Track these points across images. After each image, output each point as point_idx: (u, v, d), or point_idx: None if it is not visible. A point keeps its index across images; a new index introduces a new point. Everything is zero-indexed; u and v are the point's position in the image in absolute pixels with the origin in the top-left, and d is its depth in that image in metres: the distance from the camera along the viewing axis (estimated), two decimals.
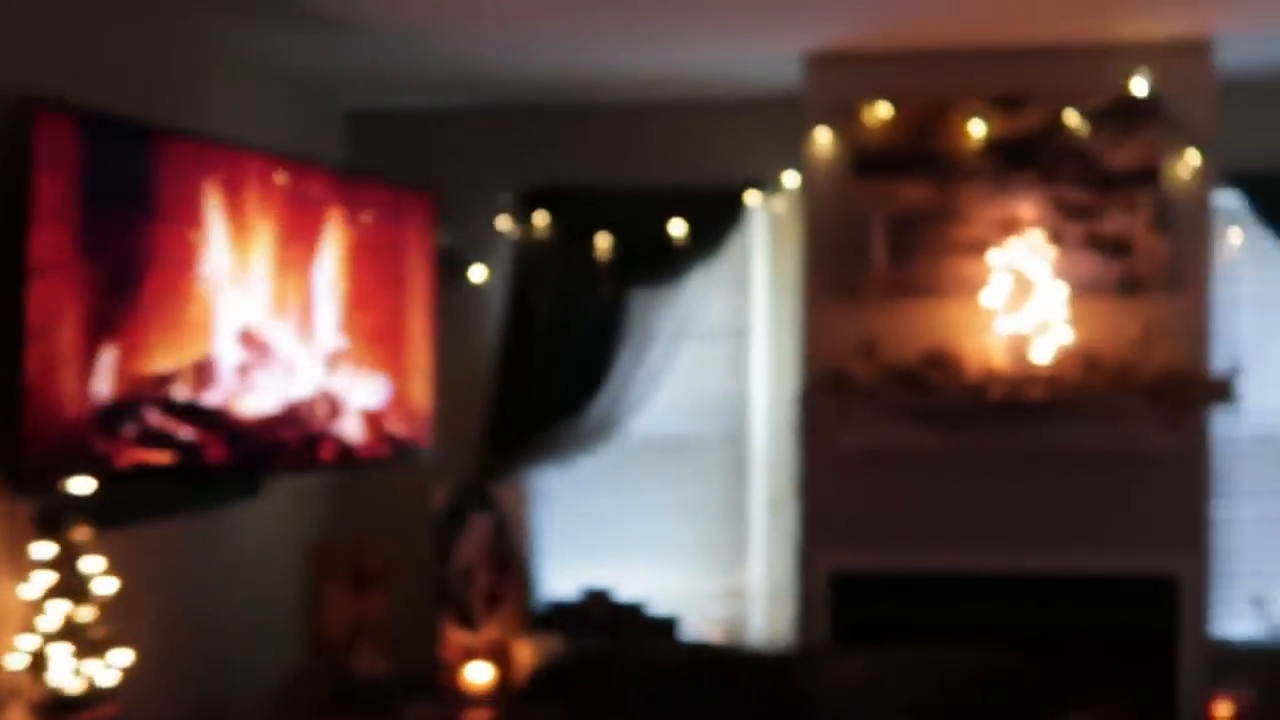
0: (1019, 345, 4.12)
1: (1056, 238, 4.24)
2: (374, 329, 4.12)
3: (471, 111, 4.94)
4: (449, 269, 4.64)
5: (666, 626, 4.38)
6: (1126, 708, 3.99)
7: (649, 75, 4.56)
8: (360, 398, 4.06)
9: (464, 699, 4.01)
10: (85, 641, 2.93)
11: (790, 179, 4.59)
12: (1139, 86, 4.23)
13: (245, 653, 4.17)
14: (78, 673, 2.90)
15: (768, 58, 4.34)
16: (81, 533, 2.98)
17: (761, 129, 4.72)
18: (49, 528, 2.99)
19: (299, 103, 4.64)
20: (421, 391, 4.33)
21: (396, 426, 4.20)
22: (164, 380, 3.33)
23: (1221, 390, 4.10)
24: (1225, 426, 4.38)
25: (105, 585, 3.01)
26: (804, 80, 4.37)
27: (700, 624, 4.65)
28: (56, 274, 2.98)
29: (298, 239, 3.80)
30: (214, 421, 3.49)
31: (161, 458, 3.33)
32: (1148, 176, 4.24)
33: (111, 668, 2.97)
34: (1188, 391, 4.08)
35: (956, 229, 4.30)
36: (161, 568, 3.67)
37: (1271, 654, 4.47)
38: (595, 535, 4.94)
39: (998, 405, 4.05)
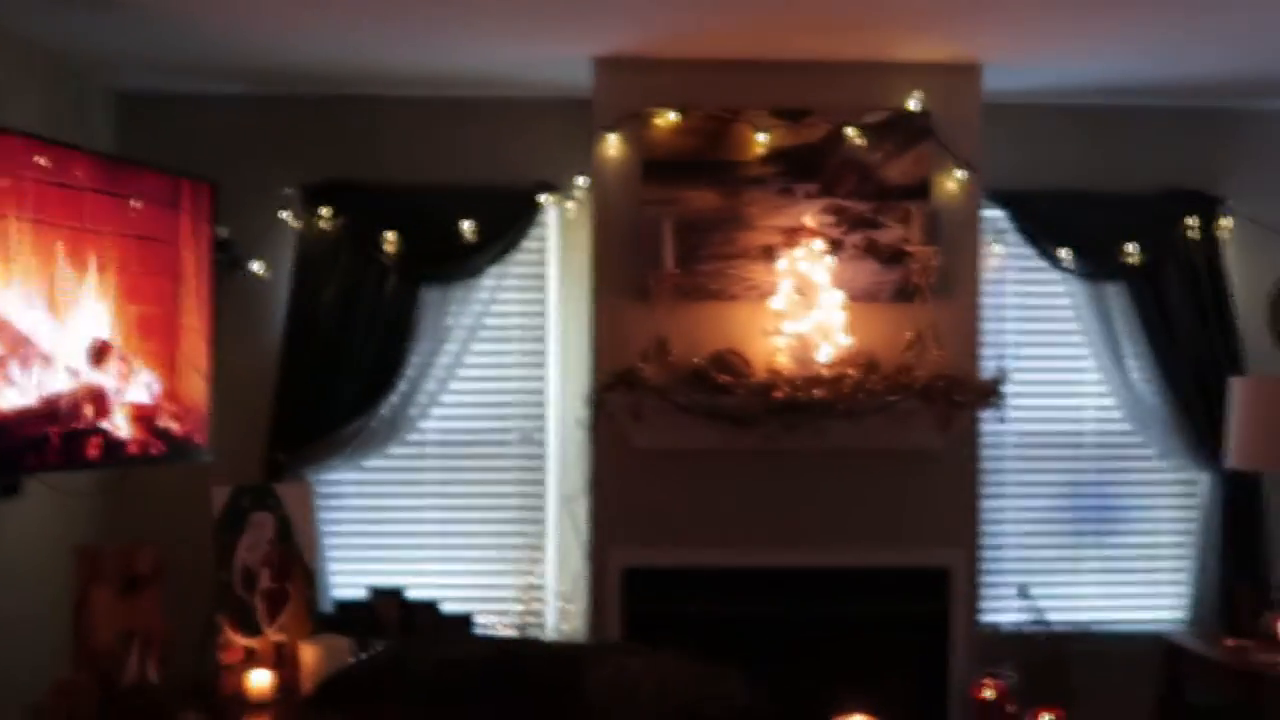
0: (802, 348, 4.26)
1: (837, 246, 4.42)
2: (145, 322, 3.92)
3: (255, 100, 4.77)
4: (228, 262, 4.48)
5: (460, 625, 4.33)
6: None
7: (440, 71, 4.52)
8: (130, 393, 3.86)
9: (244, 705, 3.85)
10: None
11: (582, 181, 4.63)
12: (913, 105, 4.45)
13: (5, 662, 3.90)
14: None
15: (559, 60, 4.36)
16: None
17: (554, 130, 4.75)
18: None
19: (60, 81, 4.37)
20: (198, 388, 4.16)
21: (170, 424, 4.02)
22: None
23: (988, 393, 4.34)
24: (991, 427, 4.65)
25: None
26: (594, 84, 4.42)
27: (494, 622, 4.63)
28: None
29: (59, 226, 3.59)
30: None
31: None
32: (920, 190, 4.46)
33: None
34: (957, 394, 4.29)
35: (743, 235, 4.43)
36: None
37: (1033, 640, 4.76)
38: (386, 535, 4.86)
39: (782, 405, 4.17)
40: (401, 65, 4.46)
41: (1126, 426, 4.92)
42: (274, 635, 4.08)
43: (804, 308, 4.29)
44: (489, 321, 4.80)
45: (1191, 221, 4.81)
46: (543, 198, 4.72)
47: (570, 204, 4.76)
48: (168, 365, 4.02)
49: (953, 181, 4.48)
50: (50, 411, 3.56)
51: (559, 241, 4.87)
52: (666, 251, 4.30)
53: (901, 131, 4.46)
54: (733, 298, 4.41)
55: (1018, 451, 4.95)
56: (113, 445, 3.79)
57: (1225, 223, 4.86)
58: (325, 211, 4.66)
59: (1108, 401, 4.92)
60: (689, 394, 4.19)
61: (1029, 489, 4.98)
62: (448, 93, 4.77)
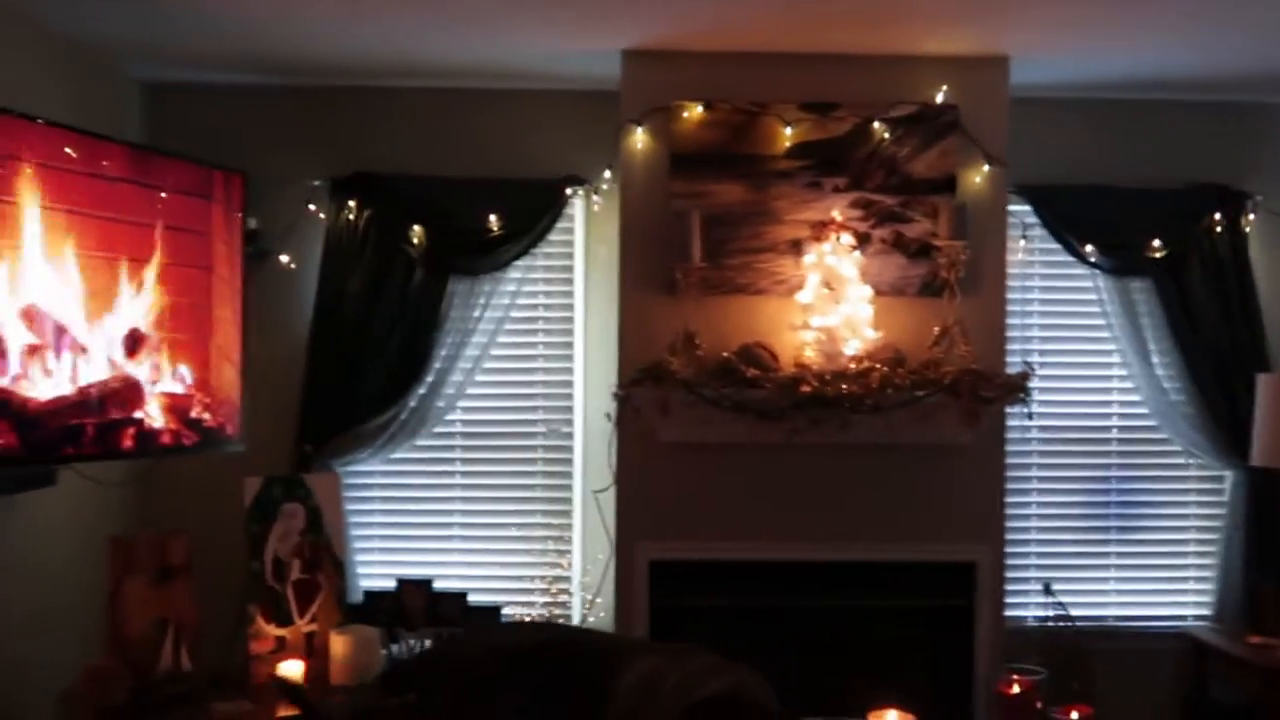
0: (829, 342, 4.27)
1: (864, 240, 4.42)
2: (178, 313, 3.95)
3: (283, 91, 4.79)
4: (256, 254, 4.50)
5: (488, 616, 4.35)
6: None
7: (468, 64, 4.53)
8: (163, 384, 3.89)
9: (275, 694, 3.87)
10: None
11: (609, 174, 4.63)
12: (940, 98, 4.45)
13: (39, 650, 3.94)
14: None
15: (587, 53, 4.37)
16: None
17: (581, 122, 4.75)
18: None
19: (93, 73, 4.41)
20: (229, 379, 4.18)
21: (203, 414, 4.05)
22: None
23: (1015, 388, 4.33)
24: (1017, 423, 4.64)
25: None
26: (622, 77, 4.42)
27: (521, 613, 4.65)
28: None
29: (92, 216, 3.61)
30: (1, 406, 3.29)
31: None
32: (947, 184, 4.46)
33: None
34: (984, 389, 4.28)
35: (770, 229, 4.43)
36: None
37: (1057, 636, 4.77)
38: (413, 526, 4.89)
39: (808, 399, 4.17)
40: (430, 57, 4.47)
41: (1152, 422, 4.91)
42: (305, 625, 4.10)
43: (831, 302, 4.29)
44: (516, 314, 4.81)
45: (1217, 216, 4.80)
46: (569, 190, 4.73)
47: (597, 197, 4.77)
48: (200, 356, 4.05)
49: (980, 176, 4.48)
50: (86, 401, 3.58)
51: (586, 234, 4.88)
52: (694, 245, 4.30)
53: (929, 125, 4.46)
54: (760, 291, 4.42)
55: (1043, 447, 4.95)
56: (146, 435, 3.82)
57: (1251, 217, 4.85)
58: (352, 203, 4.68)
59: (1133, 397, 4.92)
60: (716, 388, 4.20)
61: (1054, 485, 4.98)
62: (475, 85, 4.78)
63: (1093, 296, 4.89)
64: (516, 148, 4.79)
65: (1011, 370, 4.43)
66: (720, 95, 4.42)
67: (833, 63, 4.43)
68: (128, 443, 3.76)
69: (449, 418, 4.82)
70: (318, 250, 4.72)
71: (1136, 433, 4.97)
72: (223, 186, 4.16)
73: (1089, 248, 4.77)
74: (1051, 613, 4.82)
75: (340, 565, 4.25)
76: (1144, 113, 4.91)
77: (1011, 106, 4.50)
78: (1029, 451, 4.93)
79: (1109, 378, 4.97)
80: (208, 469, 4.46)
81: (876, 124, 4.43)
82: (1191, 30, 4.13)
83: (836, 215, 4.39)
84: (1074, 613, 4.82)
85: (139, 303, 3.80)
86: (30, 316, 3.39)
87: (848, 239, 4.36)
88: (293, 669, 3.96)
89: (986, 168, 4.47)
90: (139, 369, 3.79)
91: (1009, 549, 4.59)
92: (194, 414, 4.01)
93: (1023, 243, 4.83)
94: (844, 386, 4.17)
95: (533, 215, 4.69)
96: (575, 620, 4.77)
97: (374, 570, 4.80)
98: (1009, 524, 4.58)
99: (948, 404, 4.27)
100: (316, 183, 4.73)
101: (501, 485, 4.90)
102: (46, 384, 3.44)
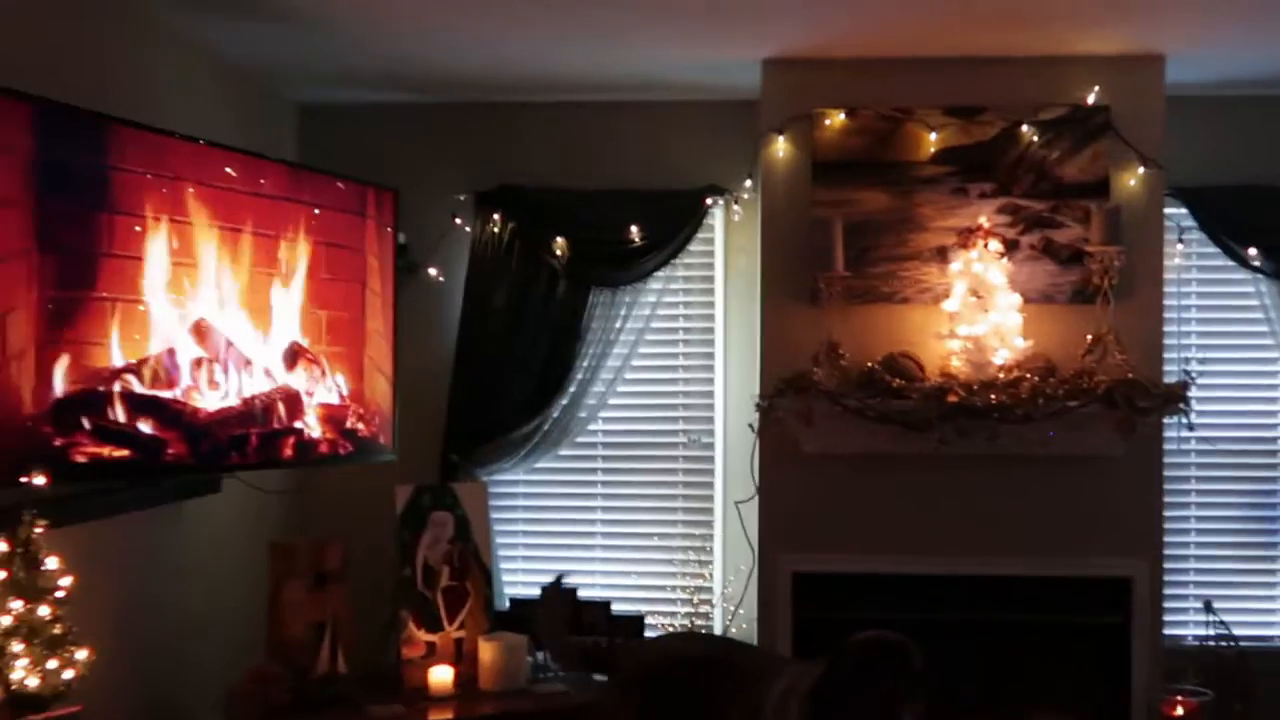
0: (977, 351, 4.18)
1: (1012, 247, 4.32)
2: (334, 326, 4.08)
3: (428, 108, 4.91)
4: (404, 267, 4.62)
5: (632, 625, 4.38)
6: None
7: (609, 77, 4.58)
8: (321, 395, 4.02)
9: (426, 698, 3.97)
10: (43, 639, 2.85)
11: (749, 183, 4.62)
12: (1092, 99, 4.33)
13: (204, 650, 4.11)
14: (36, 671, 2.83)
15: (727, 63, 4.37)
16: (39, 529, 2.91)
17: (722, 131, 4.76)
18: (5, 524, 2.92)
19: (252, 96, 4.59)
20: (382, 390, 4.30)
21: (358, 424, 4.17)
22: (121, 374, 3.27)
23: (1173, 398, 4.18)
24: (1175, 433, 4.48)
25: (63, 582, 2.94)
26: (762, 86, 4.41)
27: (664, 624, 4.67)
28: (10, 264, 2.92)
29: (253, 234, 3.76)
30: (172, 416, 3.44)
31: (120, 453, 3.27)
32: (1099, 188, 4.33)
33: (70, 666, 2.90)
34: (1140, 399, 4.15)
35: (915, 236, 4.37)
36: (120, 564, 3.60)
37: (1218, 655, 4.57)
38: (556, 535, 4.95)
39: (956, 409, 4.09)
40: (571, 72, 4.53)
41: None
42: (454, 631, 4.19)
43: (979, 310, 4.21)
44: (657, 324, 4.84)
45: None
46: (710, 200, 4.73)
47: (737, 206, 4.76)
48: (355, 368, 4.17)
49: (1134, 178, 4.34)
50: (250, 412, 3.73)
51: (726, 244, 4.88)
52: (836, 253, 4.26)
53: (1080, 127, 4.34)
54: (905, 300, 4.36)
55: (1202, 459, 4.76)
56: (305, 445, 3.95)
57: None
58: (497, 216, 4.76)
59: None
60: (860, 398, 4.15)
61: (1214, 498, 4.77)
62: (615, 97, 4.83)
63: (1254, 302, 4.68)
64: (657, 159, 4.82)
65: (1169, 379, 4.27)
66: (862, 102, 4.37)
67: (978, 66, 4.34)
68: (288, 452, 3.90)
69: (591, 428, 4.87)
70: (463, 263, 4.82)
71: None
72: (375, 203, 4.29)
73: (1251, 251, 4.58)
74: (1212, 631, 4.63)
75: (487, 573, 4.33)
76: None
77: (1167, 104, 4.35)
78: (1187, 464, 4.74)
79: (1274, 386, 4.76)
80: (361, 477, 4.58)
81: (1025, 127, 4.34)
82: None
83: (983, 221, 4.31)
84: (1236, 632, 4.61)
85: (297, 316, 3.93)
86: (200, 331, 3.55)
87: (995, 245, 4.27)
88: (443, 675, 4.04)
89: (1141, 170, 4.33)
90: (298, 380, 3.92)
91: (1166, 564, 4.43)
92: (349, 424, 4.14)
93: (1180, 247, 4.66)
94: (993, 396, 4.09)
95: (673, 226, 4.71)
96: (717, 631, 4.76)
97: (518, 578, 4.87)
98: (1166, 538, 4.42)
99: (1101, 414, 4.14)
100: (462, 197, 4.83)
101: (643, 495, 4.92)
102: (213, 395, 3.59)
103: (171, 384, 3.44)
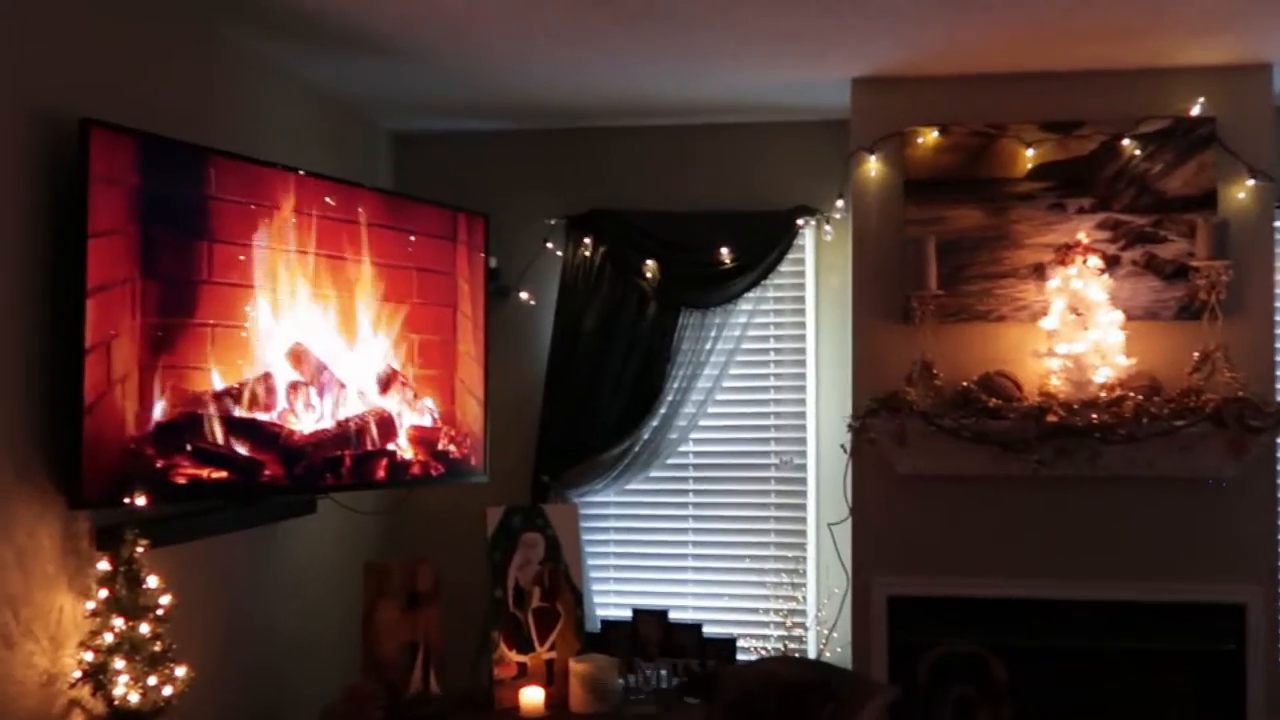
0: (1077, 370, 4.07)
1: (1113, 263, 4.21)
2: (426, 349, 4.14)
3: (518, 134, 4.99)
4: (496, 291, 4.67)
5: (724, 647, 4.34)
6: None
7: (698, 99, 4.58)
8: (413, 417, 4.08)
9: (518, 719, 3.98)
10: (144, 656, 2.94)
11: (840, 202, 4.58)
12: (1196, 111, 4.20)
13: (300, 669, 4.18)
14: (138, 687, 2.91)
15: (817, 82, 4.35)
16: (140, 548, 3.00)
17: (811, 151, 4.74)
18: (108, 543, 3.02)
19: (347, 126, 4.70)
20: (473, 412, 4.35)
21: (449, 446, 4.22)
22: (220, 398, 3.36)
23: None
24: None
25: (163, 600, 3.02)
26: (853, 105, 4.37)
27: (757, 646, 4.62)
28: (115, 291, 3.03)
29: (348, 260, 3.84)
30: (269, 439, 3.52)
31: (218, 474, 3.36)
32: (1205, 201, 4.20)
33: (169, 682, 2.98)
34: (1253, 417, 3.98)
35: (1011, 253, 4.28)
36: (218, 583, 3.70)
37: None
38: (647, 556, 4.94)
39: (1055, 429, 3.99)
40: (660, 96, 4.54)
41: None
42: (545, 652, 4.20)
43: (1078, 328, 4.10)
44: (747, 345, 4.82)
45: None
46: (800, 221, 4.70)
47: (828, 226, 4.72)
48: (446, 391, 4.23)
49: (1242, 190, 4.20)
50: (344, 434, 3.80)
51: (817, 264, 4.84)
52: (929, 272, 4.19)
53: (1183, 139, 4.21)
54: (1000, 318, 4.27)
55: None
56: (397, 466, 4.01)
57: None
58: (588, 240, 4.80)
59: None
60: (955, 418, 4.07)
61: None
62: (704, 120, 4.83)
63: None
64: (746, 180, 4.81)
65: None
66: (955, 119, 4.31)
67: (1074, 80, 4.25)
68: (381, 473, 3.96)
69: (682, 449, 4.86)
70: (554, 286, 4.87)
71: None
72: (466, 228, 4.35)
73: None
74: None
75: (578, 594, 4.33)
76: None
77: (1277, 116, 4.20)
78: None
79: None
80: (453, 498, 4.64)
81: (1125, 141, 4.22)
82: None
83: (1082, 237, 4.20)
84: None
85: (391, 340, 4.00)
86: (297, 356, 3.63)
87: (1095, 261, 4.15)
88: (534, 696, 4.05)
89: (1250, 182, 4.18)
90: (391, 403, 3.99)
91: None
92: (441, 446, 4.19)
93: None
94: (1094, 416, 3.97)
95: (763, 246, 4.69)
96: (811, 654, 4.70)
97: (609, 600, 4.87)
98: None
99: (1211, 434, 3.99)
100: (553, 221, 4.88)
101: (735, 516, 4.89)
102: (309, 418, 3.67)
103: (268, 407, 3.52)
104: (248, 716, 3.86)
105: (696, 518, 4.93)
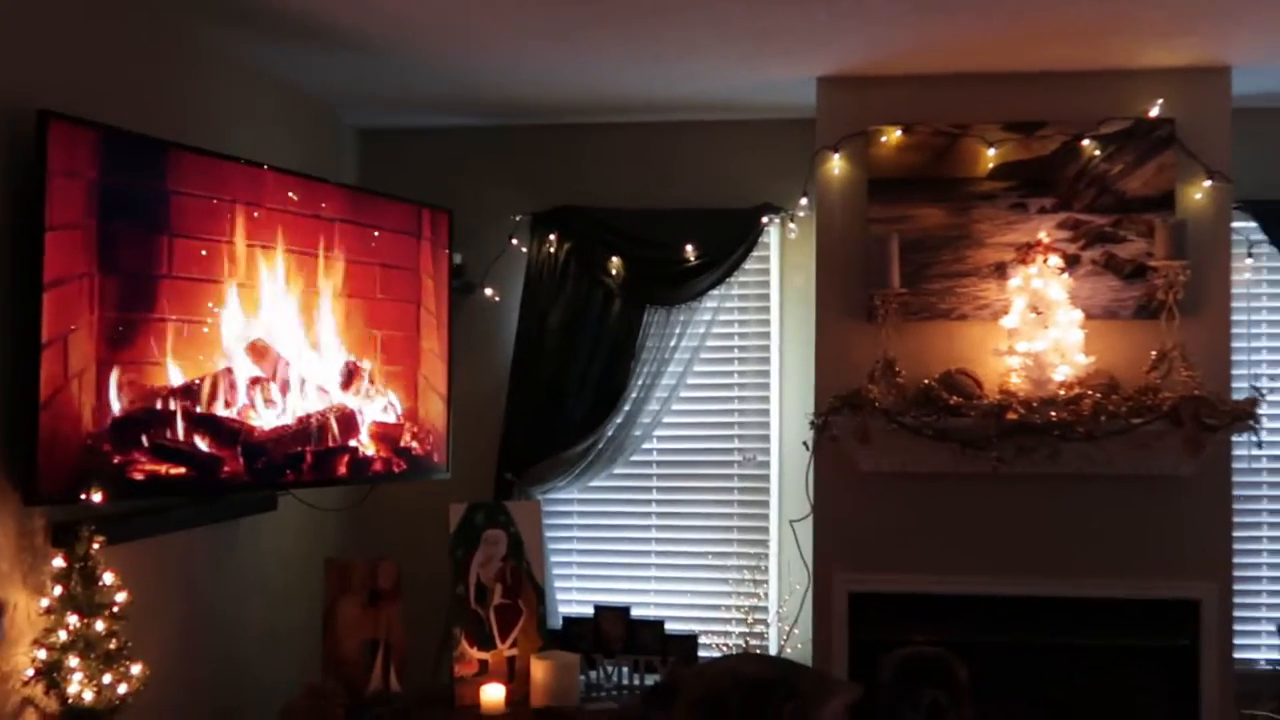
0: (1037, 368, 4.10)
1: (1073, 262, 4.25)
2: (389, 345, 4.12)
3: (484, 130, 4.97)
4: (460, 288, 4.66)
5: (686, 644, 4.35)
6: None
7: (665, 97, 4.58)
8: (375, 414, 4.06)
9: (478, 716, 3.97)
10: (99, 654, 2.91)
11: (805, 201, 4.60)
12: (1155, 112, 4.24)
13: (259, 666, 4.16)
14: (92, 685, 2.88)
15: (782, 81, 4.36)
16: (96, 545, 2.96)
17: (777, 150, 4.74)
18: (64, 540, 2.99)
19: (312, 120, 4.67)
20: (437, 409, 4.33)
21: (412, 443, 4.20)
22: (179, 393, 3.33)
23: (1243, 415, 4.06)
24: (1244, 452, 4.36)
25: (119, 597, 2.99)
26: (818, 104, 4.39)
27: (719, 643, 4.64)
28: (72, 286, 2.99)
29: (312, 255, 3.82)
30: (229, 435, 3.50)
31: (177, 470, 3.33)
32: (1164, 201, 4.24)
33: (125, 680, 2.95)
34: (1208, 416, 4.03)
35: (973, 252, 4.31)
36: (177, 580, 3.66)
37: None
38: (609, 554, 4.95)
39: (1015, 427, 4.02)
40: (627, 94, 4.54)
41: None
42: (506, 649, 4.20)
43: (1038, 326, 4.13)
44: (712, 343, 4.82)
45: None
46: (765, 219, 4.71)
47: (792, 224, 4.74)
48: (409, 387, 4.21)
49: (1200, 191, 4.24)
50: (305, 430, 3.77)
51: (781, 262, 4.85)
52: (892, 270, 4.22)
53: (1143, 140, 4.25)
54: (962, 317, 4.30)
55: (1274, 478, 4.62)
56: (359, 463, 3.99)
57: None
58: (553, 237, 4.79)
59: None
60: (917, 416, 4.09)
61: None
62: (670, 117, 4.83)
63: None
64: (712, 177, 4.82)
65: (1238, 396, 4.16)
66: (918, 118, 4.33)
67: (1037, 80, 4.28)
68: (342, 470, 3.94)
69: (646, 446, 4.87)
70: (519, 283, 4.85)
71: None
72: (430, 224, 4.33)
73: None
74: None
75: (540, 591, 4.33)
76: None
77: (1235, 118, 4.25)
78: (1259, 483, 4.61)
79: None
80: (415, 495, 4.62)
81: (1086, 141, 4.26)
82: None
83: (1043, 237, 4.23)
84: None
85: (354, 336, 3.98)
86: (258, 351, 3.60)
87: (1055, 261, 4.19)
88: (495, 693, 4.05)
89: (1208, 183, 4.23)
90: (353, 399, 3.97)
91: (1238, 586, 4.30)
92: (403, 442, 4.17)
93: (1249, 261, 4.55)
94: (1053, 414, 4.01)
95: (728, 244, 4.70)
96: (772, 651, 4.72)
97: (572, 597, 4.87)
98: (1236, 560, 4.29)
99: (1168, 432, 4.04)
100: (518, 217, 4.86)
101: (698, 514, 4.90)
102: (270, 414, 3.64)
103: (229, 403, 3.49)
104: (207, 714, 3.83)
105: (659, 515, 4.94)
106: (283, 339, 3.70)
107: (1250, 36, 3.93)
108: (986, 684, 4.05)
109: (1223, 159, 4.23)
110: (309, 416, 3.79)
